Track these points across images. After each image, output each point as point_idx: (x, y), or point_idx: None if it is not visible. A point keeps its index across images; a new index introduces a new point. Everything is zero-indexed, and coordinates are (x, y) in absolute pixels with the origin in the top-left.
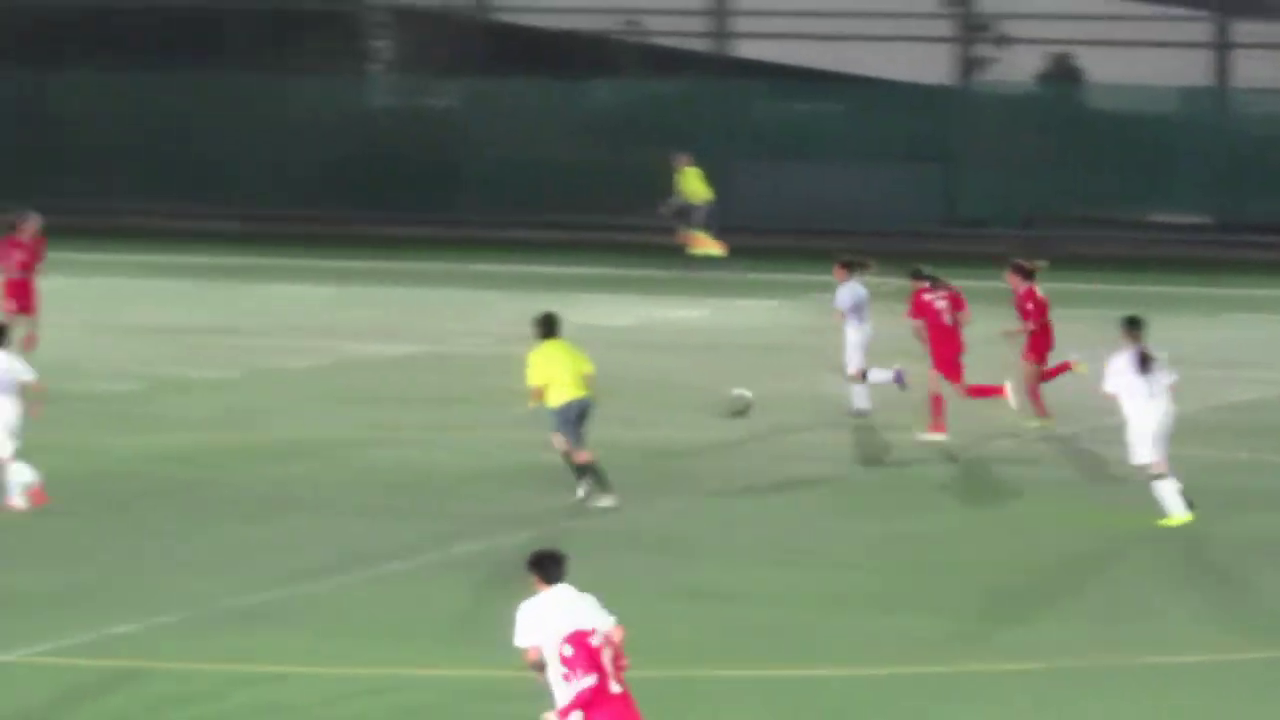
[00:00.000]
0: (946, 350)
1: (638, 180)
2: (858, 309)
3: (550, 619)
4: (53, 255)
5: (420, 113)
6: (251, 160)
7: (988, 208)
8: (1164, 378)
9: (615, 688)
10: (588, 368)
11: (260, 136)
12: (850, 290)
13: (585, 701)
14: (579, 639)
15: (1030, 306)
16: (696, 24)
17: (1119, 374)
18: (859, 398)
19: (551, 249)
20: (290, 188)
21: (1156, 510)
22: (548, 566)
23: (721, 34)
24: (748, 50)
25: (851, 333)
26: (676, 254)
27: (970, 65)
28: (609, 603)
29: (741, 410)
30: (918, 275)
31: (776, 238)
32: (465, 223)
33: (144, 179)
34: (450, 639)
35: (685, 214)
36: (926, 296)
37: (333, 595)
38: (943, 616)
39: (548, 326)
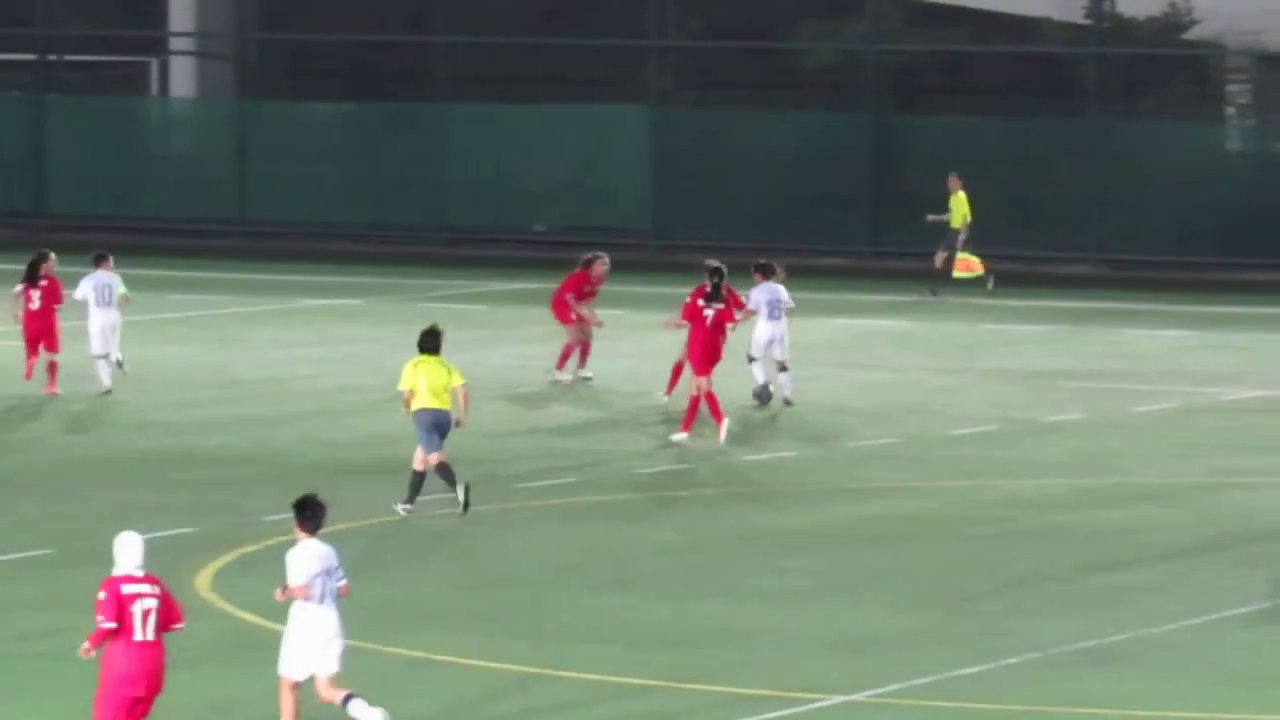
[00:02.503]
0: (704, 352)
1: None
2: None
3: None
4: (910, 300)
5: (1276, 158)
6: (1109, 206)
7: None
8: None
9: (140, 636)
10: (457, 382)
11: (1118, 182)
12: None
13: (99, 639)
14: (113, 585)
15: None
16: None
17: None
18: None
19: None
20: (1147, 233)
21: None
22: (310, 515)
23: None
24: None
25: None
26: (932, 277)
27: None
28: None
29: None
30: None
31: None
32: None
33: (1001, 225)
34: None
35: (950, 237)
36: (700, 301)
37: (1178, 639)
38: None
39: (425, 341)
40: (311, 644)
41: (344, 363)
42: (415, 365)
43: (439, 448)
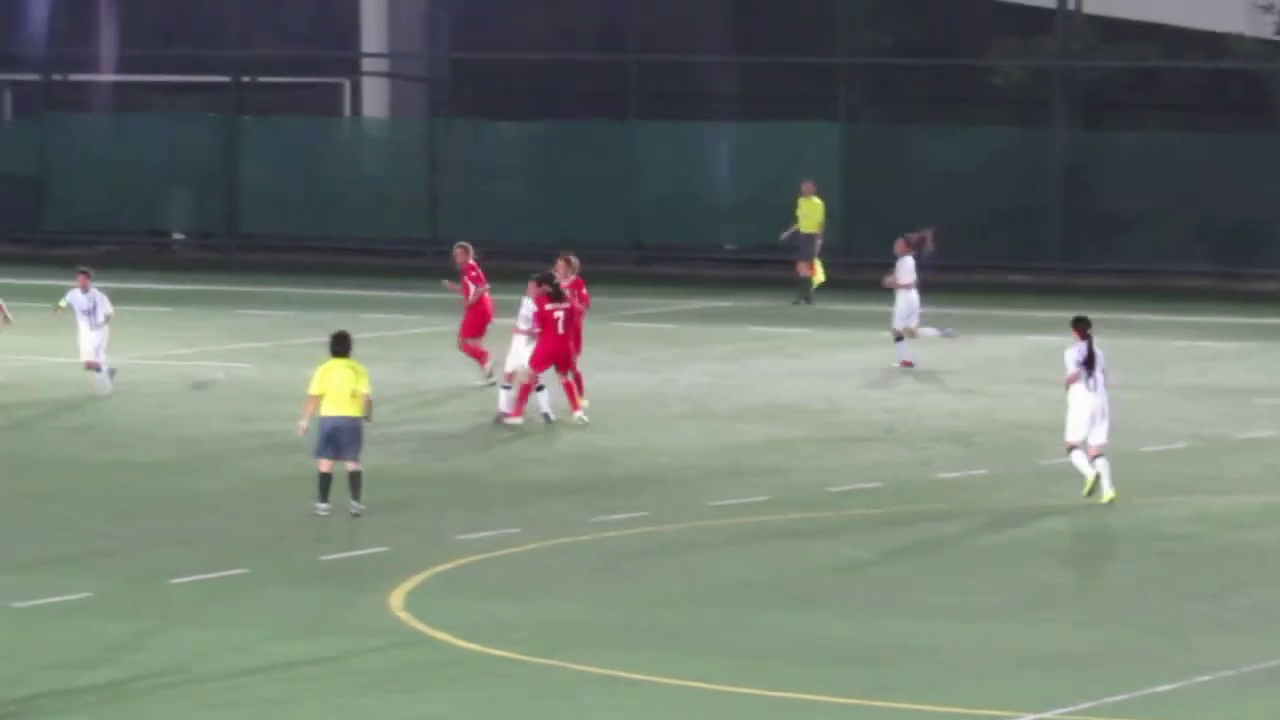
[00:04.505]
0: (558, 348)
1: None
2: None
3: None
4: (1100, 315)
5: None
6: None
7: None
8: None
9: None
10: (364, 389)
11: None
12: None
13: None
14: None
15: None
16: None
17: (1072, 364)
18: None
19: None
20: None
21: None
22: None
23: None
24: None
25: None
26: (793, 285)
27: None
28: None
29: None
30: (546, 282)
31: None
32: None
33: (1190, 240)
34: None
35: (806, 243)
36: (548, 306)
37: None
38: None
39: (335, 345)
40: None
41: None
42: (324, 369)
43: (328, 455)
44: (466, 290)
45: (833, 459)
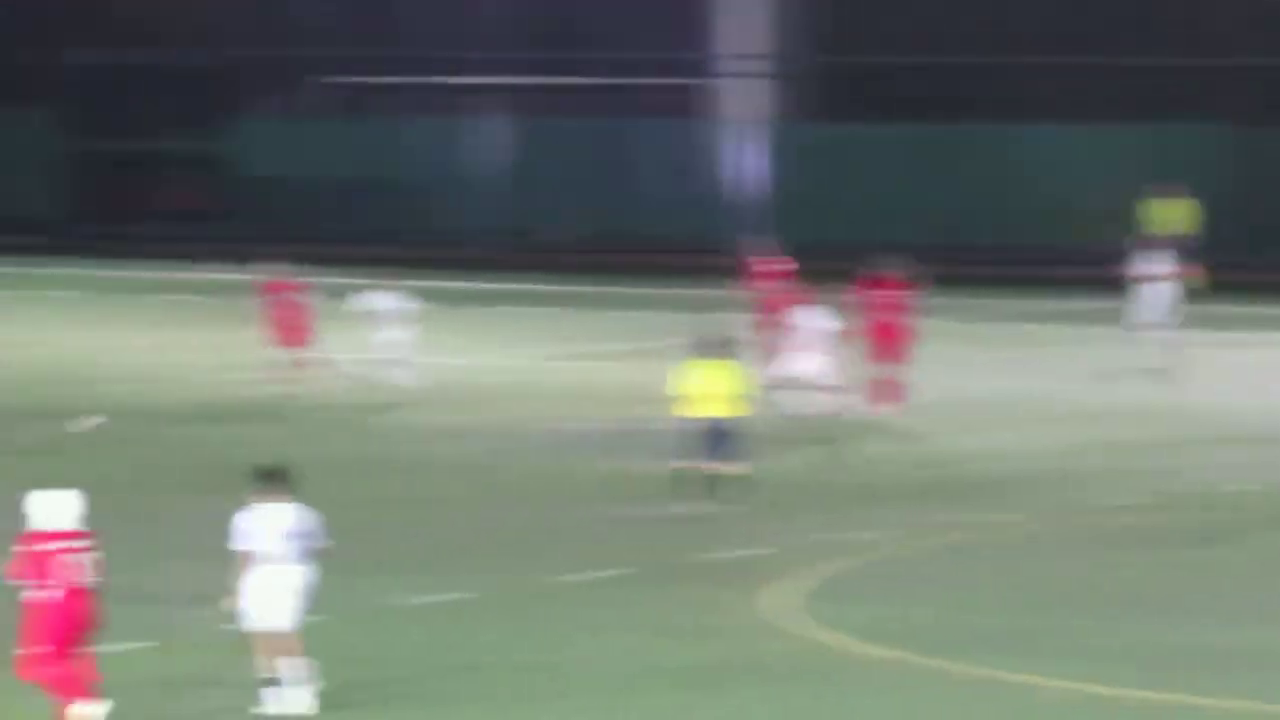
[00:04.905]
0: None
1: None
2: None
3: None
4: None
5: None
6: None
7: None
8: None
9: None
10: (744, 389)
11: None
12: None
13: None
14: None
15: None
16: None
17: None
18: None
19: None
20: None
21: None
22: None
23: None
24: None
25: None
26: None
27: None
28: None
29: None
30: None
31: None
32: None
33: None
34: None
35: (1180, 247)
36: (872, 296)
37: None
38: None
39: (700, 348)
40: (266, 598)
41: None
42: (701, 369)
43: (706, 455)
44: (761, 287)
45: (1210, 460)
